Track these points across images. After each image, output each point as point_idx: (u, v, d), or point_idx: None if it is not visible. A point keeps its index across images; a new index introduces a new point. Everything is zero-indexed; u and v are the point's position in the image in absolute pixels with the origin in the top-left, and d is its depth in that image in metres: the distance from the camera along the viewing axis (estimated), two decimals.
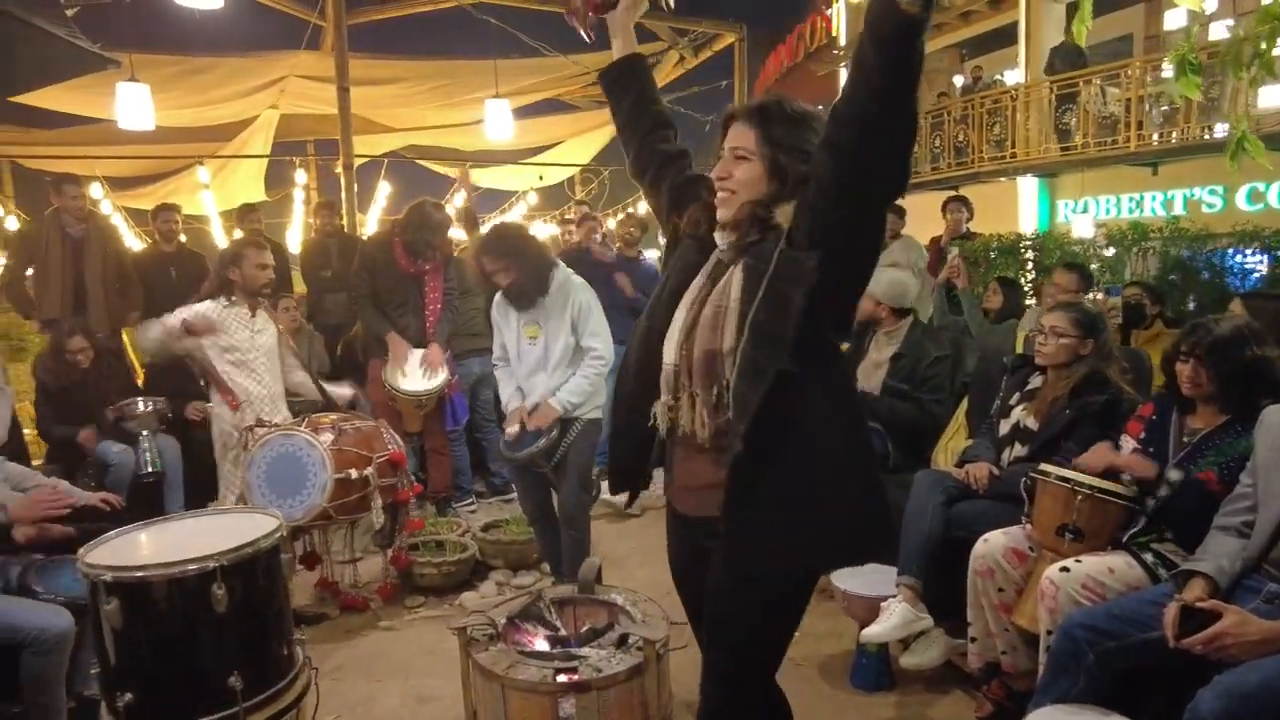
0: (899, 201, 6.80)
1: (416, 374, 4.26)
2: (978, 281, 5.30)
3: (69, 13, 2.71)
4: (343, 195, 6.80)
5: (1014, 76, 12.46)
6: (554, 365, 3.29)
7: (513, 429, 3.24)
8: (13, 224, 9.01)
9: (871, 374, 3.59)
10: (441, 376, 4.27)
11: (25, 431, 4.37)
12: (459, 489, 4.80)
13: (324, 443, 3.14)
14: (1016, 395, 2.88)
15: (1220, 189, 10.02)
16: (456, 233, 8.05)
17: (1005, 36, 12.69)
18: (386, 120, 9.42)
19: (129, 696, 1.60)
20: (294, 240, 9.53)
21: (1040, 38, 11.72)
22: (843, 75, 16.15)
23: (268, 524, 1.83)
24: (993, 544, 2.43)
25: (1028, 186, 11.84)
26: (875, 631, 2.55)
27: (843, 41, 16.14)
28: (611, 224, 7.98)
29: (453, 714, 2.67)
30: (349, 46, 6.83)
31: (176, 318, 3.36)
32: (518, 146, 10.08)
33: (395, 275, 4.35)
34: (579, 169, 11.73)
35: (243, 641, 1.66)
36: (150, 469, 3.91)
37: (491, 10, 7.28)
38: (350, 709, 2.84)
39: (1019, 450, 2.77)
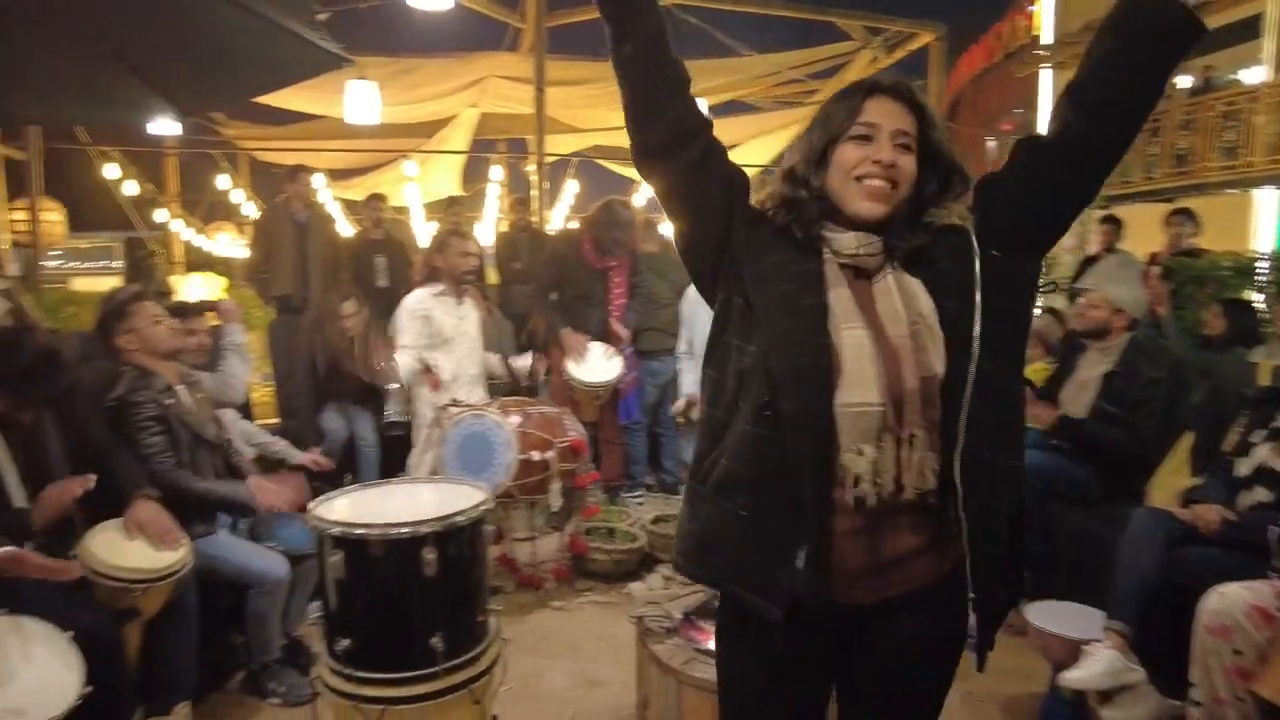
0: (1114, 212, 6.26)
1: (595, 366, 4.37)
2: (1203, 304, 4.76)
3: (321, 17, 2.97)
4: (533, 192, 7.12)
5: (1253, 76, 11.08)
6: None
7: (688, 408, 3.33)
8: (250, 210, 10.09)
9: (1077, 395, 3.30)
10: (618, 371, 4.36)
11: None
12: (630, 480, 4.89)
13: (511, 424, 3.30)
14: (1262, 433, 2.55)
15: None
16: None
17: (1244, 31, 11.30)
18: (574, 121, 9.76)
19: (346, 642, 1.74)
20: (483, 233, 10.09)
21: None
22: (1044, 77, 15.15)
23: (476, 496, 1.94)
24: (1231, 598, 2.16)
25: (1267, 200, 10.50)
26: (1077, 677, 2.34)
27: (1046, 40, 15.02)
28: None
29: (621, 700, 2.72)
30: (548, 48, 7.15)
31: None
32: None
33: (582, 270, 4.49)
34: (758, 169, 11.64)
35: (446, 605, 1.76)
36: (397, 419, 4.11)
37: (691, 10, 7.36)
38: (521, 682, 2.96)
39: (1263, 495, 2.45)
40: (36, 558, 2.05)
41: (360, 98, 4.98)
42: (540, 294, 4.65)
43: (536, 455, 3.32)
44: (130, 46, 3.54)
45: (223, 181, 9.62)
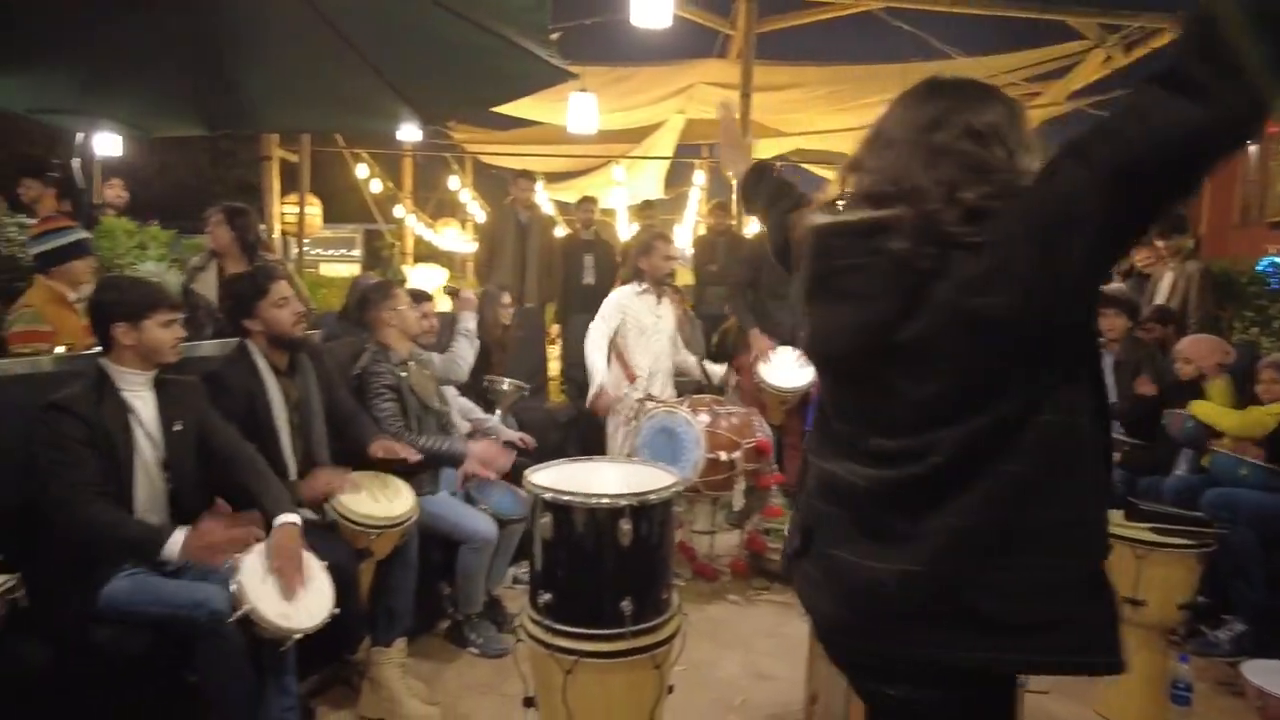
0: None
1: (785, 371, 4.39)
2: None
3: (553, 36, 3.27)
4: (734, 196, 7.25)
5: None
6: None
7: None
8: (474, 208, 11.00)
9: None
10: (808, 378, 4.37)
11: None
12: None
13: (701, 423, 3.44)
14: None
15: None
16: None
17: None
18: (779, 125, 9.79)
19: (548, 596, 1.96)
20: (681, 236, 10.37)
21: None
22: None
23: (668, 479, 2.10)
24: None
25: None
26: None
27: None
28: None
29: (789, 695, 2.78)
30: (755, 54, 7.25)
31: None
32: None
33: (778, 271, 4.54)
34: None
35: (636, 574, 1.93)
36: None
37: (902, 15, 7.18)
38: (694, 666, 3.09)
39: None
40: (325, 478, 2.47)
41: (581, 109, 5.35)
42: (735, 292, 4.77)
43: (724, 455, 3.45)
44: (386, 63, 4.06)
45: (453, 182, 10.57)
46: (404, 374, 3.25)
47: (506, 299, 4.65)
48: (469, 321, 3.89)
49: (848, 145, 10.19)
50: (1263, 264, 7.36)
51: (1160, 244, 4.94)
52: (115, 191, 6.20)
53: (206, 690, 2.21)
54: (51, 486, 2.15)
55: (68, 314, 3.17)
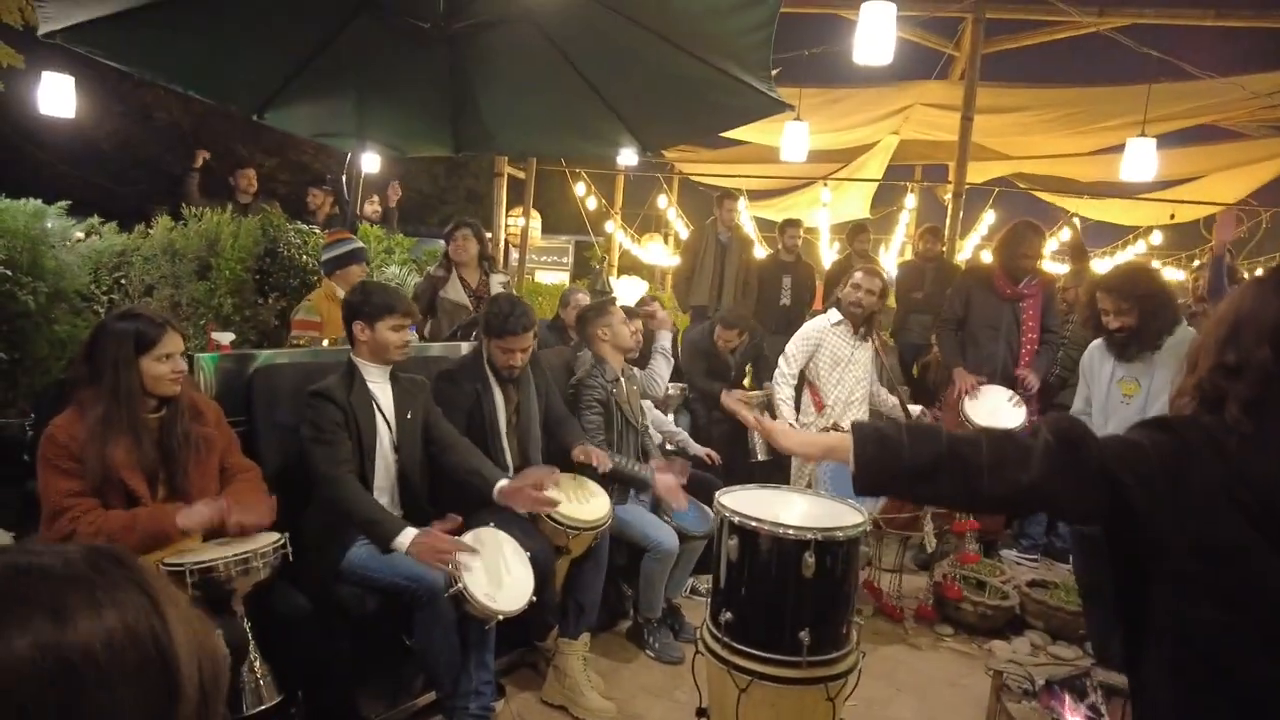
0: None
1: (994, 409, 4.15)
2: None
3: (774, 72, 3.36)
4: (947, 221, 6.98)
5: None
6: None
7: None
8: (677, 225, 11.36)
9: None
10: (1019, 420, 4.12)
11: None
12: (1026, 538, 4.61)
13: None
14: None
15: None
16: (1058, 266, 7.59)
17: None
18: (1002, 148, 9.28)
19: (729, 615, 2.05)
20: (888, 259, 10.08)
21: None
22: None
23: (856, 518, 2.12)
24: None
25: None
26: None
27: None
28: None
29: None
30: (980, 75, 6.94)
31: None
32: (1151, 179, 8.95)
33: (991, 300, 4.35)
34: (1224, 207, 9.88)
35: (816, 606, 1.97)
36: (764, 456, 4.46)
37: (1145, 32, 6.60)
38: (867, 704, 3.05)
39: None
40: (531, 492, 2.66)
41: (794, 138, 5.43)
42: (942, 327, 4.61)
43: None
44: (612, 92, 4.34)
45: (661, 201, 10.98)
46: (615, 390, 3.46)
47: (727, 336, 4.84)
48: (665, 340, 4.06)
49: (1075, 170, 9.51)
50: None
51: None
52: (373, 206, 7.06)
53: (421, 654, 2.52)
54: (315, 462, 2.54)
55: (336, 311, 3.70)
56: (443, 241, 4.71)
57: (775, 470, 4.07)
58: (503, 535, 2.63)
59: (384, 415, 2.72)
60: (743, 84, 3.59)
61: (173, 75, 3.92)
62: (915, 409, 4.01)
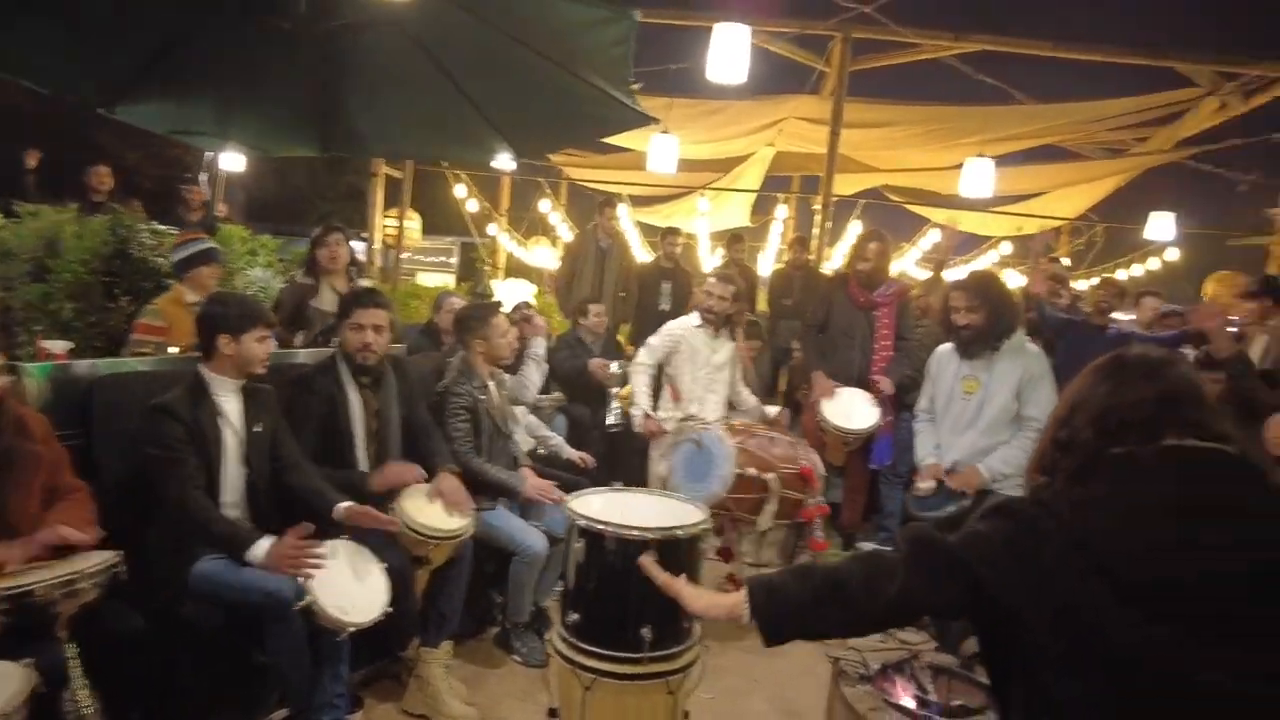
0: None
1: (850, 411, 4.37)
2: None
3: (635, 86, 3.47)
4: (815, 231, 7.31)
5: None
6: (985, 425, 3.25)
7: (926, 484, 3.26)
8: (562, 229, 11.39)
9: None
10: (873, 421, 4.37)
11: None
12: (883, 530, 4.87)
13: (734, 441, 3.50)
14: None
15: None
16: (923, 272, 8.03)
17: None
18: (869, 160, 9.78)
19: (575, 616, 2.11)
20: (763, 266, 10.44)
21: None
22: None
23: (696, 516, 2.23)
24: None
25: None
26: None
27: None
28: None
29: None
30: (847, 91, 7.31)
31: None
32: (999, 192, 9.64)
33: (847, 308, 4.59)
34: (1065, 222, 10.76)
35: (658, 603, 2.03)
36: (616, 421, 4.71)
37: (987, 60, 7.13)
38: (725, 695, 3.19)
39: None
40: (374, 513, 2.68)
41: (662, 149, 5.58)
42: (805, 331, 4.84)
43: (753, 472, 3.44)
44: (484, 100, 4.36)
45: (543, 205, 10.98)
46: (483, 397, 3.46)
47: (596, 309, 5.16)
48: (539, 347, 4.09)
49: (936, 183, 10.13)
50: None
51: (1253, 305, 4.76)
52: (224, 212, 6.70)
53: (271, 669, 2.47)
54: (158, 479, 2.45)
55: (184, 316, 3.54)
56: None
57: (635, 456, 4.27)
58: (357, 546, 2.60)
59: (233, 428, 2.65)
60: (608, 96, 3.68)
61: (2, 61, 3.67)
62: (773, 410, 4.20)
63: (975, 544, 1.31)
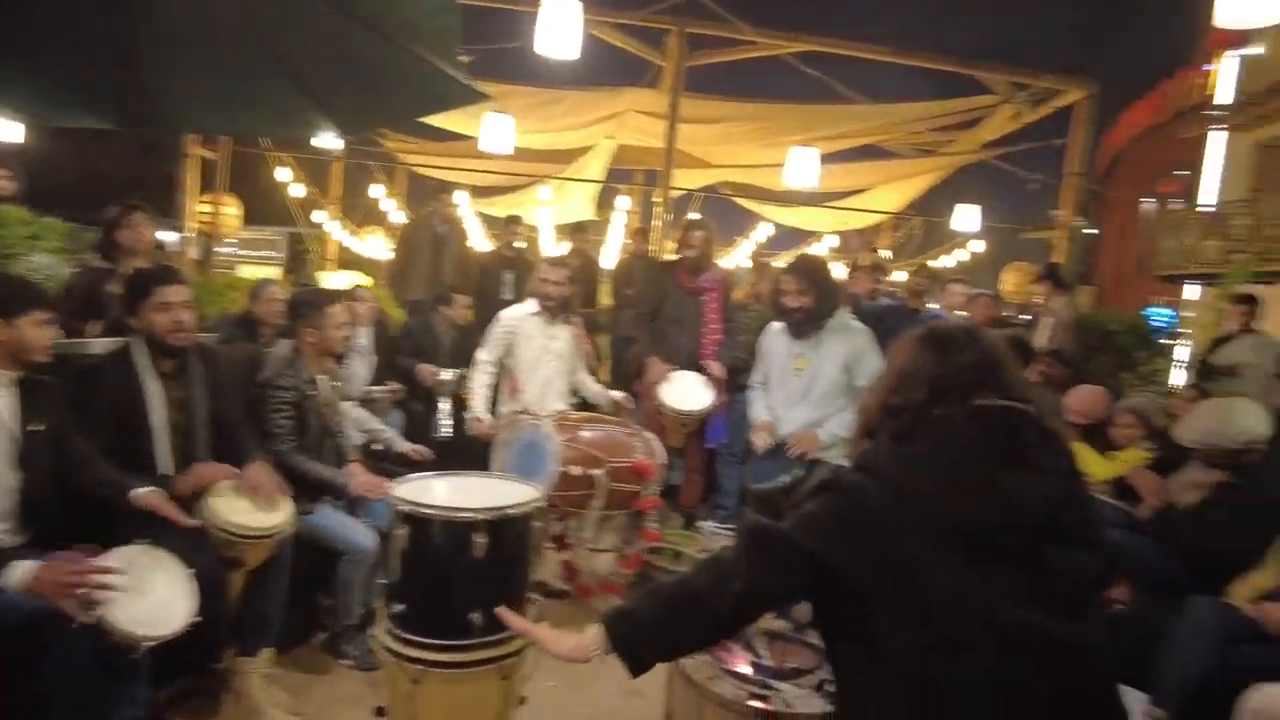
0: (1250, 290, 5.87)
1: (686, 394, 4.45)
2: None
3: (464, 59, 3.34)
4: (655, 223, 7.41)
5: None
6: (816, 399, 3.40)
7: (763, 440, 3.38)
8: (399, 217, 10.95)
9: (1186, 493, 3.16)
10: (708, 401, 4.47)
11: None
12: (721, 508, 4.99)
13: (561, 438, 3.39)
14: None
15: None
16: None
17: None
18: (706, 156, 10.04)
19: (401, 607, 1.99)
20: (608, 259, 10.48)
21: None
22: (1214, 139, 14.18)
23: (529, 495, 2.17)
24: (1273, 698, 2.08)
25: None
26: None
27: (1222, 100, 14.07)
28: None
29: (654, 713, 2.84)
30: (683, 86, 7.46)
31: None
32: (825, 189, 10.18)
33: (677, 295, 4.68)
34: (889, 216, 11.52)
35: (488, 587, 1.98)
36: (446, 433, 4.57)
37: (816, 58, 7.49)
38: (568, 682, 3.13)
39: None
40: (171, 506, 2.43)
41: (496, 129, 5.44)
42: (639, 318, 4.88)
43: (576, 470, 3.35)
44: (303, 71, 4.05)
45: (376, 190, 10.49)
46: (312, 391, 3.22)
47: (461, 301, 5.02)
48: (363, 338, 3.88)
49: (771, 180, 10.57)
50: (1153, 313, 7.92)
51: (1040, 288, 5.27)
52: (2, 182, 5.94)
53: (51, 697, 2.17)
54: None
55: None
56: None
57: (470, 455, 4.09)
58: (157, 552, 2.33)
59: (4, 426, 2.31)
60: (436, 69, 3.52)
61: None
62: (618, 395, 4.19)
63: (807, 525, 1.35)
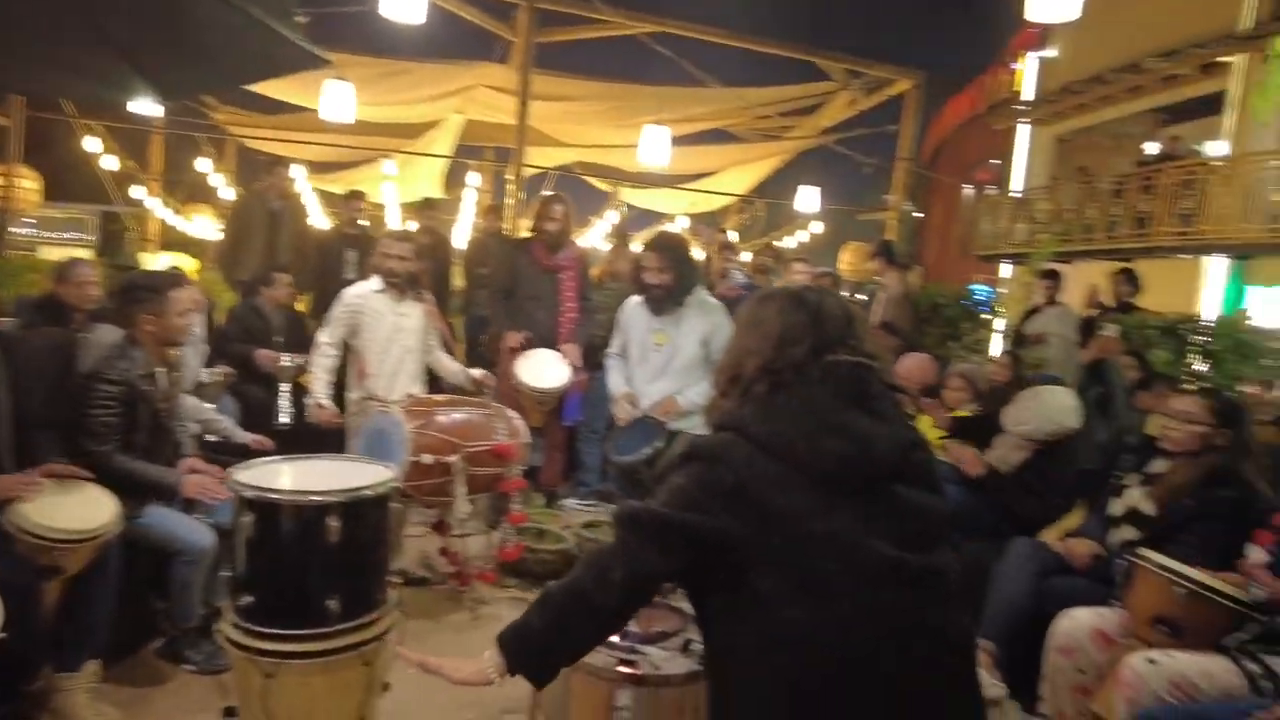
0: (1054, 266, 6.53)
1: (543, 371, 4.40)
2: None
3: (301, 20, 3.12)
4: (508, 201, 7.29)
5: (1216, 148, 11.55)
6: (676, 373, 3.47)
7: (624, 412, 3.41)
8: (229, 194, 10.17)
9: (1009, 453, 3.47)
10: (565, 378, 4.45)
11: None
12: (583, 485, 4.99)
13: (411, 425, 3.18)
14: (1135, 477, 2.75)
15: None
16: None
17: (1209, 105, 11.78)
18: (559, 135, 9.96)
19: (249, 599, 1.87)
20: (459, 237, 10.22)
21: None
22: (1021, 132, 15.61)
23: (383, 475, 2.08)
24: (1078, 621, 2.34)
25: (1216, 267, 10.91)
26: None
27: (1028, 97, 15.51)
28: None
29: (522, 690, 2.82)
30: (534, 63, 7.35)
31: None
32: (676, 172, 10.38)
33: (533, 272, 4.63)
34: (736, 198, 11.89)
35: (345, 571, 1.89)
36: (287, 420, 4.35)
37: (666, 40, 7.58)
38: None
39: (1130, 533, 2.64)
40: None
41: (336, 97, 5.14)
42: (494, 295, 4.79)
43: (428, 458, 3.17)
44: (117, 28, 3.66)
45: (203, 164, 9.68)
46: (147, 386, 2.91)
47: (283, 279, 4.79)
48: (195, 326, 3.58)
49: (624, 160, 10.65)
50: (976, 290, 8.66)
51: (875, 264, 5.61)
52: None
53: None
54: None
55: None
56: None
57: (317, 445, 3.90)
58: None
59: None
60: (271, 30, 3.28)
61: None
62: (477, 373, 4.09)
63: (678, 499, 1.38)
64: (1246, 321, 5.60)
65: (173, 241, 10.69)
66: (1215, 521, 2.47)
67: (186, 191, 11.35)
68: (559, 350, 4.53)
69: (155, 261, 7.73)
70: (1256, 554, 2.26)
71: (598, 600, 1.36)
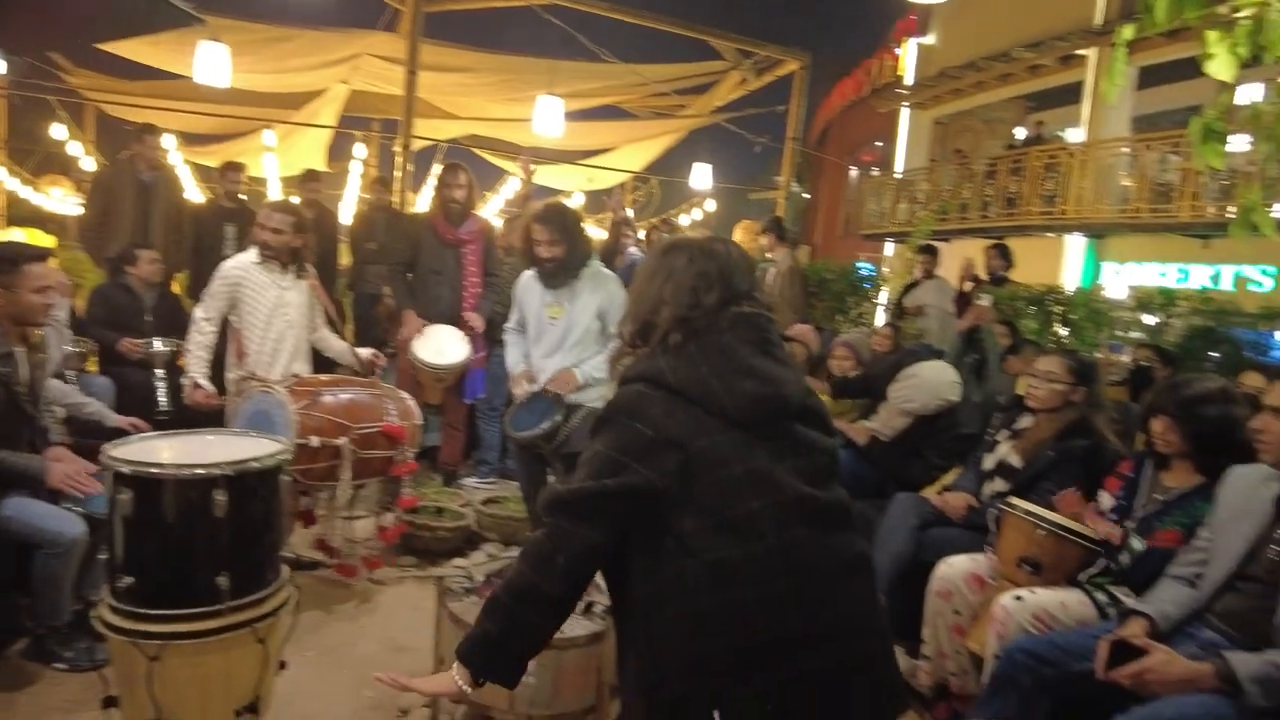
0: (931, 242, 6.89)
1: (440, 348, 4.33)
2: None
3: None
4: (397, 174, 7.06)
5: (1076, 134, 12.43)
6: (571, 347, 3.44)
7: (522, 389, 3.39)
8: (90, 165, 9.43)
9: (891, 419, 3.65)
10: (463, 354, 4.39)
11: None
12: (484, 464, 4.93)
13: (296, 406, 3.05)
14: (1005, 433, 2.97)
15: (1273, 270, 9.89)
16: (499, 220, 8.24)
17: (1072, 94, 12.66)
18: (450, 107, 9.71)
19: (129, 580, 1.77)
20: (344, 211, 9.84)
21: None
22: (903, 115, 16.30)
23: (274, 447, 2.01)
24: (955, 567, 2.52)
25: (1075, 245, 11.78)
26: None
27: (908, 81, 16.19)
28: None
29: (426, 664, 2.80)
30: (423, 32, 7.12)
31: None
32: (571, 147, 10.30)
33: (435, 246, 4.52)
34: (630, 175, 11.93)
35: (235, 547, 1.81)
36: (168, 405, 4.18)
37: (559, 13, 7.50)
38: (330, 650, 3.00)
39: (1000, 485, 2.85)
40: None
41: (211, 59, 4.83)
42: (394, 272, 4.65)
43: (315, 440, 3.07)
44: None
45: (58, 131, 8.93)
46: (5, 368, 2.68)
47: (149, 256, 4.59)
48: (59, 309, 3.32)
49: (517, 135, 10.49)
50: (860, 266, 9.03)
51: (765, 239, 5.77)
52: None
53: None
54: None
55: None
56: None
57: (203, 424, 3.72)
58: None
59: None
60: None
61: None
62: (365, 352, 3.97)
63: (598, 467, 1.39)
64: (1100, 294, 6.08)
65: (23, 216, 9.84)
66: (1072, 466, 2.69)
67: (39, 162, 10.47)
68: (462, 321, 4.45)
69: (2, 237, 7.09)
70: (1106, 499, 2.48)
71: (546, 589, 1.37)
